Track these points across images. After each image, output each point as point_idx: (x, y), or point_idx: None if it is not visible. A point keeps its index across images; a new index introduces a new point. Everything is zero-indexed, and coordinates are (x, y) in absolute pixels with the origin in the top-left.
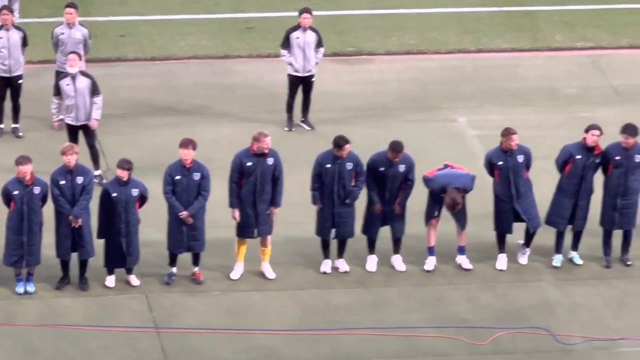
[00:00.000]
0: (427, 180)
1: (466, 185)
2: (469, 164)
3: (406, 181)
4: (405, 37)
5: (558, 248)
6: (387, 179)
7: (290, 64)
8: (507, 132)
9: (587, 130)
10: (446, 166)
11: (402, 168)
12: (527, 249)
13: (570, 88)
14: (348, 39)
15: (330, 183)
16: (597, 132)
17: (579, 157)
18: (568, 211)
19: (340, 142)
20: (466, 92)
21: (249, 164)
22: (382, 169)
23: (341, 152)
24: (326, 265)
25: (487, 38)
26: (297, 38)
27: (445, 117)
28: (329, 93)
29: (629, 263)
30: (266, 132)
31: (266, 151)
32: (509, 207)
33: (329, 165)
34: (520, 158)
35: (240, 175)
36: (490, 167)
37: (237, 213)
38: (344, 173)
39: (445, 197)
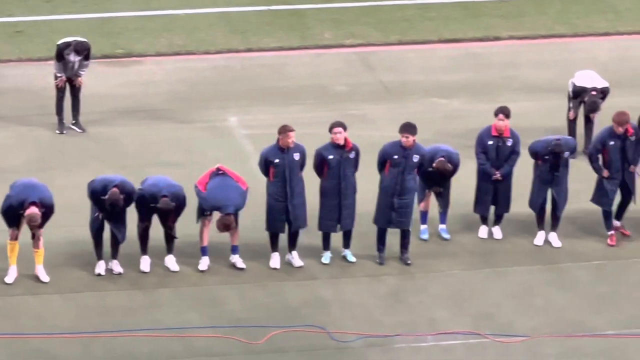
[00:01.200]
0: (199, 196)
1: (238, 206)
2: (240, 164)
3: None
4: (174, 38)
5: (326, 245)
6: None
7: (60, 75)
8: (284, 130)
9: (330, 130)
10: (219, 170)
11: None
12: (294, 250)
13: (340, 85)
14: (117, 41)
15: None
16: (339, 129)
17: (331, 157)
18: (335, 213)
19: (114, 203)
20: (236, 92)
21: None
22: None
23: None
24: (100, 267)
25: (255, 37)
26: (68, 55)
27: (215, 117)
28: (99, 95)
29: (409, 262)
30: None
31: None
32: (282, 207)
33: (106, 197)
34: (297, 156)
35: None
36: (266, 165)
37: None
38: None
39: (217, 222)
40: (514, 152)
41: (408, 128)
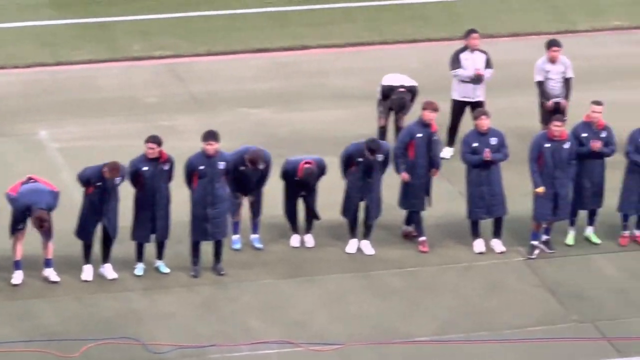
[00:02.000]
0: (10, 200)
1: (50, 204)
2: (51, 177)
3: None
4: None
5: (139, 257)
6: None
7: None
8: (114, 168)
9: (146, 142)
10: (30, 179)
11: None
12: (107, 262)
13: (150, 97)
14: None
15: None
16: (153, 145)
17: (145, 168)
18: (149, 224)
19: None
20: (46, 106)
21: None
22: None
23: None
24: None
25: (64, 50)
26: None
27: (25, 131)
28: None
29: (222, 272)
30: None
31: None
32: (95, 218)
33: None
34: (118, 180)
35: None
36: (87, 184)
37: None
38: None
39: (32, 217)
40: (320, 175)
41: (211, 135)
